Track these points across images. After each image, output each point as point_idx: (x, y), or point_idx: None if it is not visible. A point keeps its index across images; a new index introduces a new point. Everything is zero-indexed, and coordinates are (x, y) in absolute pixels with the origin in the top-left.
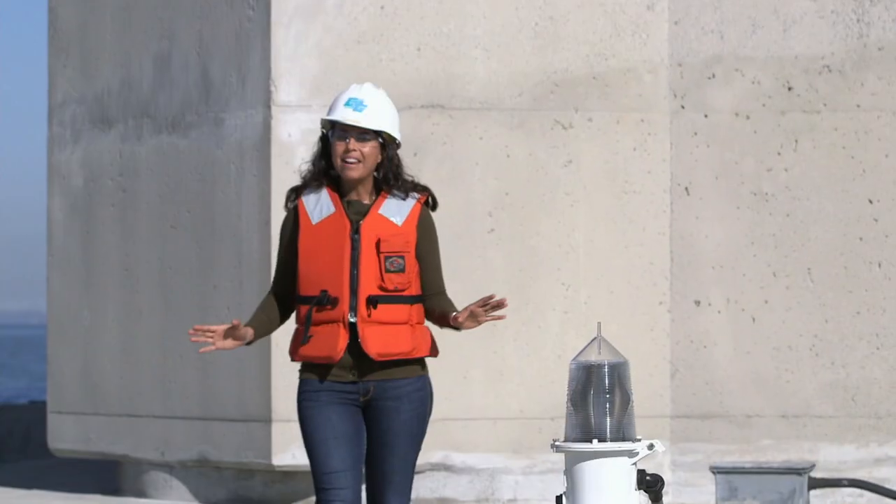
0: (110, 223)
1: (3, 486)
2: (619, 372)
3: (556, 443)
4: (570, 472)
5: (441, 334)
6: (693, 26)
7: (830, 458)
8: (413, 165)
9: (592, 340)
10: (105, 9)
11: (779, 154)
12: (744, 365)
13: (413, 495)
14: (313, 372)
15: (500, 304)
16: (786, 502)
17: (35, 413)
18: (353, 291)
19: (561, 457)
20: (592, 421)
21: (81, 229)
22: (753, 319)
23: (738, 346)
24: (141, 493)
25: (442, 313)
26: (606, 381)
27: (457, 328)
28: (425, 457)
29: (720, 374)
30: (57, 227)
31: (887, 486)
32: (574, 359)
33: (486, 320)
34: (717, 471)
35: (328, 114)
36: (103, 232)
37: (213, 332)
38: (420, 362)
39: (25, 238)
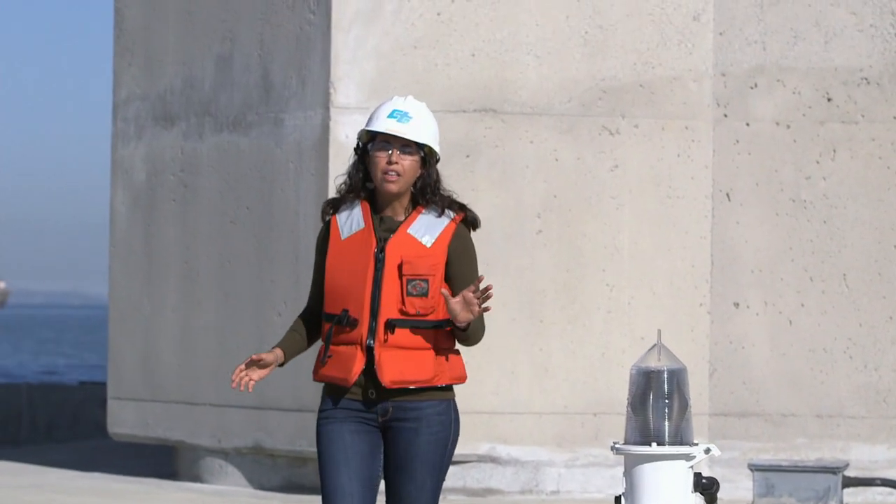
0: (171, 217)
1: (59, 468)
2: (677, 378)
3: (616, 445)
4: (629, 474)
5: (487, 331)
6: (737, 37)
7: (862, 457)
8: (465, 167)
9: (652, 347)
10: (168, 11)
11: (817, 163)
12: (780, 366)
13: (460, 484)
14: (332, 392)
15: (486, 290)
16: (820, 500)
17: (84, 394)
18: (373, 314)
19: (603, 451)
20: (651, 425)
21: (143, 222)
22: (790, 322)
23: (774, 347)
24: (197, 478)
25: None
26: (665, 387)
27: (462, 339)
28: (472, 448)
29: (757, 374)
30: (120, 219)
31: None
32: (634, 364)
33: (479, 311)
34: (754, 468)
35: (369, 125)
36: (164, 225)
37: (241, 370)
38: (446, 386)
39: (78, 225)
